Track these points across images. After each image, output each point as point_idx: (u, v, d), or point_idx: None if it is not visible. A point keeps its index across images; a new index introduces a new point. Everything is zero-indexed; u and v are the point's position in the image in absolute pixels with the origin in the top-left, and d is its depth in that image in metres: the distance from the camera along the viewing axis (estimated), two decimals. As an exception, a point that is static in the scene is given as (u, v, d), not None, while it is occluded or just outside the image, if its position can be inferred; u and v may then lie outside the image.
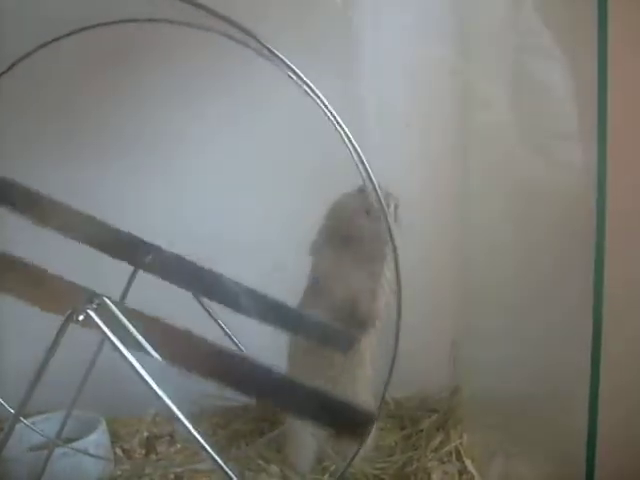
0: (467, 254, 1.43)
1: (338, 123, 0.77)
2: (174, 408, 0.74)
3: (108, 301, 0.72)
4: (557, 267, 0.96)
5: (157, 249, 1.00)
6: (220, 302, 0.99)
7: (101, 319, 0.72)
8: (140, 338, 0.71)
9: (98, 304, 0.72)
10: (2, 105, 1.16)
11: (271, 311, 0.99)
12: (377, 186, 0.80)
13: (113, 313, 0.72)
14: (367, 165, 0.80)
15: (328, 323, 1.03)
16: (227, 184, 1.45)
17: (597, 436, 0.84)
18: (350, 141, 0.80)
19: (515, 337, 1.15)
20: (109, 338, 0.72)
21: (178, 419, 0.74)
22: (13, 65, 0.98)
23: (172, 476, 1.27)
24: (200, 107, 1.44)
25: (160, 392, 0.74)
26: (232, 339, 1.11)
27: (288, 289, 1.24)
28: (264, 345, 1.26)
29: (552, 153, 0.99)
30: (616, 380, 0.86)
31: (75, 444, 1.25)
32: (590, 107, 0.80)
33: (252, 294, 0.99)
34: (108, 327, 0.71)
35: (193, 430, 0.75)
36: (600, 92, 0.77)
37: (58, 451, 1.21)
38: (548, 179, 1.01)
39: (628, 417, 0.91)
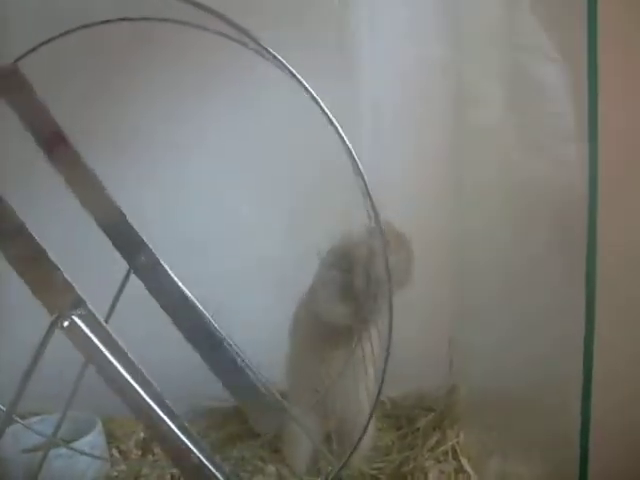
0: (464, 254, 1.42)
1: (342, 139, 0.76)
2: (161, 413, 0.74)
3: (92, 308, 0.72)
4: (554, 267, 0.96)
5: (153, 257, 0.99)
6: (180, 329, 0.99)
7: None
8: (124, 349, 0.71)
9: (83, 312, 0.72)
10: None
11: (226, 367, 0.99)
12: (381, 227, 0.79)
13: (96, 324, 0.71)
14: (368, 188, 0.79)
15: (271, 404, 1.02)
16: (225, 190, 1.45)
17: (590, 431, 0.84)
18: (355, 163, 0.79)
19: (512, 336, 1.14)
20: (95, 345, 0.71)
21: (164, 423, 0.73)
22: (16, 61, 0.97)
23: (168, 477, 1.27)
24: (197, 114, 1.44)
25: (148, 399, 0.73)
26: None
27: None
28: (262, 340, 1.27)
29: (545, 151, 0.98)
30: (610, 378, 0.86)
31: (71, 445, 1.25)
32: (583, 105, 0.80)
33: (215, 341, 0.99)
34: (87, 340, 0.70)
35: (179, 433, 0.74)
36: (590, 90, 0.76)
37: (53, 452, 1.21)
38: (542, 176, 1.01)
39: (623, 412, 0.91)
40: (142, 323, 1.15)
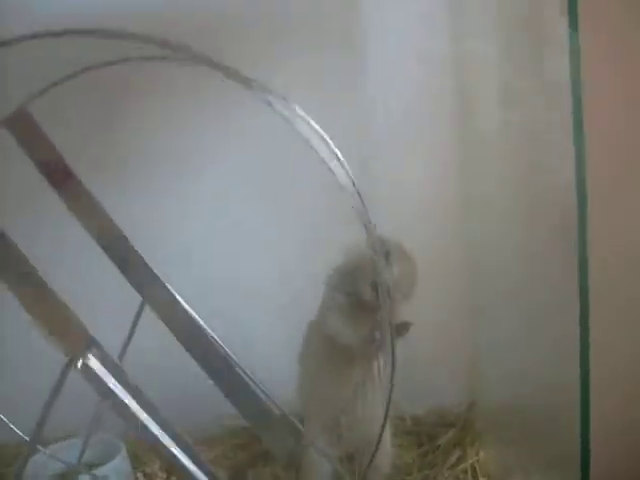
0: (478, 267, 1.42)
1: (350, 178, 0.77)
2: (176, 452, 0.75)
3: (104, 348, 0.74)
4: (563, 272, 0.96)
5: (164, 288, 1.01)
6: (194, 358, 1.01)
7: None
8: (137, 386, 0.73)
9: (96, 352, 0.74)
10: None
11: (242, 398, 1.00)
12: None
13: (109, 362, 0.74)
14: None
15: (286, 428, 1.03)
16: (233, 221, 1.46)
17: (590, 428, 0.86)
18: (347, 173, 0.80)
19: (529, 347, 1.15)
20: (109, 387, 0.73)
21: (180, 461, 0.75)
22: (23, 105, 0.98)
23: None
24: (203, 143, 1.46)
25: (163, 438, 0.75)
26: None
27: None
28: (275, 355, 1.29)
29: (548, 152, 0.99)
30: (611, 378, 0.88)
31: (96, 471, 1.27)
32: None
33: (231, 371, 1.00)
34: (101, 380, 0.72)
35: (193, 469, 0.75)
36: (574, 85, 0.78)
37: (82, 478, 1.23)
38: (540, 174, 1.02)
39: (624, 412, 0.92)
40: (165, 341, 1.17)
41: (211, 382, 1.15)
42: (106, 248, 1.01)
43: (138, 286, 1.01)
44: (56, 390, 0.76)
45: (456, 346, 1.49)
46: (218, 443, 1.45)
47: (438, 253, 1.43)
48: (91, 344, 0.76)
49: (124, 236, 1.02)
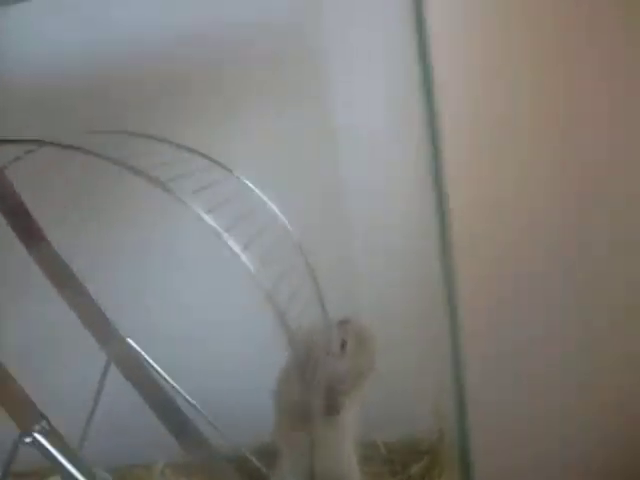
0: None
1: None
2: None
3: (55, 428, 0.78)
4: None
5: (128, 346, 1.05)
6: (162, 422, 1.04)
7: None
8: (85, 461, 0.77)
9: (44, 428, 0.78)
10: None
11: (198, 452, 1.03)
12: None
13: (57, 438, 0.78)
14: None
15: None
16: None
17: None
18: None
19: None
20: (60, 463, 0.78)
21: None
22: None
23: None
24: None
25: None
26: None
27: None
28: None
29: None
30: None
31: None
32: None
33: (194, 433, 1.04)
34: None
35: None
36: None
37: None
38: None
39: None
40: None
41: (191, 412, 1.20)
42: (72, 307, 1.05)
43: (103, 344, 1.05)
44: (8, 463, 0.80)
45: (428, 373, 1.51)
46: (197, 472, 1.48)
47: (409, 286, 1.45)
48: (40, 419, 0.80)
49: (90, 296, 1.06)
